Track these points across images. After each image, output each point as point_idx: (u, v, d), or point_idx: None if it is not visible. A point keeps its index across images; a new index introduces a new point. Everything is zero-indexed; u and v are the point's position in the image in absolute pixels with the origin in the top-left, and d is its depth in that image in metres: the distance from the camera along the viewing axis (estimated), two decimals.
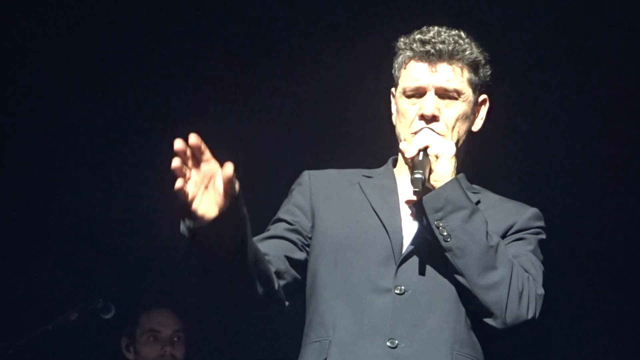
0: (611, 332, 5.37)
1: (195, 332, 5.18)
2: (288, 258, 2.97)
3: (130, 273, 5.36)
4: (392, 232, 2.94)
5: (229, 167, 2.55)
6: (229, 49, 5.09)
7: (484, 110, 3.12)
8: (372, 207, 3.00)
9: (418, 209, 2.93)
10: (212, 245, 2.65)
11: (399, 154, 3.08)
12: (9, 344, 4.91)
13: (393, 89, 3.12)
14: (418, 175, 2.83)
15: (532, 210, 3.07)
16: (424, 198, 2.87)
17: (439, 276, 2.89)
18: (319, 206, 3.04)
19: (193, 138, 2.54)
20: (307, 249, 3.01)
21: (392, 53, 3.10)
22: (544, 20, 4.94)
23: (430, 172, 2.90)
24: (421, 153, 2.89)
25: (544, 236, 3.06)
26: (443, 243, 2.84)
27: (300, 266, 3.00)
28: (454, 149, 2.93)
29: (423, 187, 2.85)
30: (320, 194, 3.06)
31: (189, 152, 2.54)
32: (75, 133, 5.34)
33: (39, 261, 5.40)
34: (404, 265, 2.91)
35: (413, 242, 2.93)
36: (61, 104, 5.24)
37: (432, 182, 2.88)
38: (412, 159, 2.89)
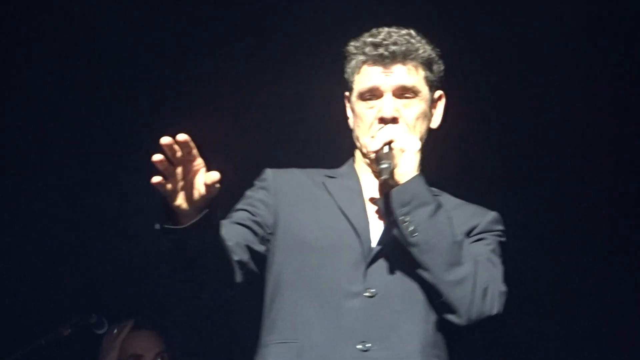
0: (569, 333, 5.35)
1: (179, 349, 5.14)
2: (249, 248, 2.95)
3: (125, 288, 5.33)
4: (361, 233, 2.93)
5: (216, 173, 2.61)
6: (192, 49, 5.13)
7: (440, 106, 3.12)
8: (340, 209, 2.99)
9: (383, 206, 2.92)
10: (185, 243, 2.69)
11: (357, 155, 3.09)
12: None
13: (347, 93, 3.12)
14: (384, 165, 2.84)
15: (493, 214, 3.08)
16: (392, 192, 2.86)
17: (408, 277, 2.89)
18: (284, 204, 3.02)
19: (182, 135, 2.58)
20: (267, 244, 2.99)
21: (343, 57, 3.09)
22: (497, 19, 4.97)
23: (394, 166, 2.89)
24: (386, 147, 2.89)
25: (504, 239, 3.07)
26: (409, 238, 2.84)
27: (259, 259, 2.97)
28: (419, 144, 2.94)
29: (391, 177, 2.84)
30: (285, 192, 3.05)
31: (176, 147, 2.59)
32: (67, 149, 5.34)
33: (32, 276, 5.38)
34: (372, 267, 2.91)
35: (380, 244, 2.92)
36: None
37: (396, 177, 2.88)
38: (377, 152, 2.89)
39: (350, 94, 3.09)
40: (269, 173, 3.11)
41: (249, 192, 3.09)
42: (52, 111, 5.28)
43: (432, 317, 2.89)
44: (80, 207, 5.38)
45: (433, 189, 3.06)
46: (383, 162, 2.85)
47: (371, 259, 2.91)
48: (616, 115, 5.15)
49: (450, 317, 2.86)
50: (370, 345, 2.83)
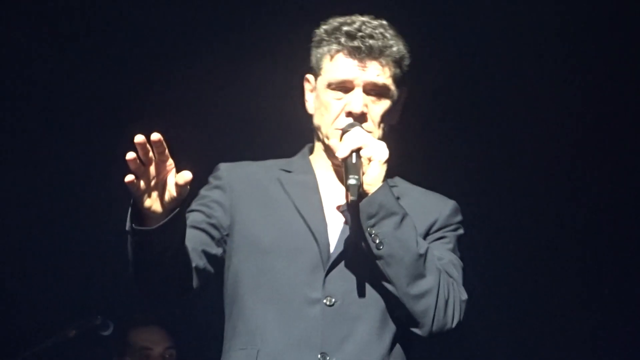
0: (531, 330, 5.35)
1: (187, 348, 5.15)
2: (205, 253, 2.91)
3: (131, 290, 5.32)
4: (319, 237, 2.88)
5: (188, 172, 2.61)
6: (149, 49, 5.15)
7: (403, 102, 3.06)
8: (297, 208, 2.93)
9: (348, 215, 2.85)
10: (151, 245, 2.68)
11: (317, 145, 3.04)
12: None
13: (309, 76, 3.04)
14: (353, 182, 2.75)
15: (451, 205, 3.05)
16: (361, 205, 2.79)
17: (367, 285, 2.85)
18: (239, 205, 2.96)
19: (155, 135, 2.58)
20: (224, 245, 2.95)
21: (309, 39, 3.02)
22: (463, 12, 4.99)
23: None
24: (354, 155, 2.81)
25: (462, 231, 3.04)
26: (375, 251, 2.79)
27: (215, 262, 2.94)
28: (387, 152, 2.85)
29: (359, 194, 2.77)
30: (240, 191, 2.98)
31: (148, 147, 2.58)
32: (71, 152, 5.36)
33: (37, 278, 5.38)
34: (332, 273, 2.87)
35: (339, 248, 2.87)
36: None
37: (364, 187, 2.80)
38: (345, 160, 2.81)
39: (316, 78, 3.02)
40: (223, 170, 3.04)
41: (203, 192, 3.03)
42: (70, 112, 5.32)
43: (391, 325, 2.87)
44: (85, 208, 5.38)
45: (396, 178, 3.02)
46: (351, 177, 2.77)
47: (330, 264, 2.87)
48: (590, 98, 5.18)
49: (414, 330, 2.84)
50: (329, 357, 2.80)
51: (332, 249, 2.89)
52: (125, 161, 2.60)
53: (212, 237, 2.94)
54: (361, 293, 2.85)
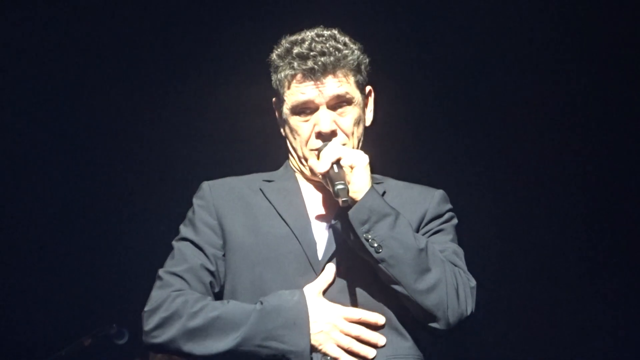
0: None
1: None
2: (210, 285, 2.92)
3: (145, 299, 5.34)
4: (304, 240, 2.89)
5: None
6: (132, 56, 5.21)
7: (371, 101, 3.06)
8: (279, 214, 2.94)
9: (340, 224, 2.83)
10: None
11: (292, 160, 3.04)
12: None
13: (275, 99, 3.03)
14: (341, 186, 2.75)
15: (439, 194, 3.05)
16: (350, 213, 2.79)
17: (358, 283, 2.85)
18: (225, 220, 2.96)
19: None
20: (219, 261, 2.93)
21: (267, 65, 3.00)
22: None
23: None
24: (335, 166, 2.81)
25: (456, 220, 3.03)
26: (375, 255, 2.78)
27: (218, 280, 2.95)
28: (366, 157, 2.86)
29: (349, 197, 2.76)
30: (224, 207, 2.98)
31: None
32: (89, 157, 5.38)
33: (52, 287, 5.41)
34: None
35: (328, 249, 2.87)
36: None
37: (350, 194, 2.79)
38: (327, 173, 2.81)
39: (281, 104, 2.99)
40: (205, 189, 3.03)
41: (191, 215, 3.01)
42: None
43: (391, 320, 2.86)
44: (101, 218, 5.41)
45: (375, 175, 3.01)
46: (337, 183, 2.75)
47: (321, 267, 2.86)
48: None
49: (431, 324, 2.81)
50: (330, 357, 2.79)
51: (319, 251, 2.88)
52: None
53: (211, 272, 2.93)
54: (353, 292, 2.85)
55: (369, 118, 3.04)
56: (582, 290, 5.32)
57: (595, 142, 5.30)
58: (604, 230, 5.36)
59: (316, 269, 2.86)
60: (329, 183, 2.82)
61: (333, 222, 2.86)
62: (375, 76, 3.05)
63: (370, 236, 2.78)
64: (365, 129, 3.02)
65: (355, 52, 2.96)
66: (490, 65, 5.24)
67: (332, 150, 2.84)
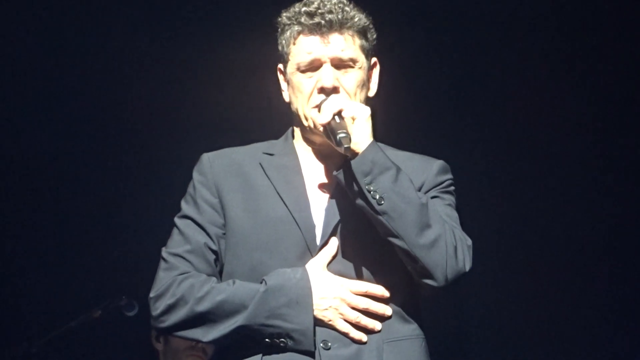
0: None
1: None
2: (215, 263, 2.92)
3: (154, 269, 5.34)
4: (303, 223, 2.88)
5: None
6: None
7: (376, 73, 3.05)
8: (278, 194, 2.92)
9: (342, 178, 2.83)
10: None
11: (297, 132, 3.03)
12: (32, 343, 4.92)
13: (280, 66, 3.03)
14: (343, 134, 2.77)
15: (438, 164, 3.03)
16: (352, 163, 2.79)
17: (357, 263, 2.85)
18: (225, 199, 2.95)
19: None
20: (221, 240, 2.93)
21: (274, 30, 3.02)
22: None
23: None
24: (336, 117, 2.81)
25: (453, 188, 3.02)
26: (377, 207, 2.77)
27: (220, 259, 2.95)
28: (369, 110, 2.86)
29: (350, 147, 2.76)
30: (224, 184, 2.97)
31: None
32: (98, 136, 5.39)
33: (62, 259, 5.42)
34: None
35: (325, 231, 2.87)
36: None
37: (352, 146, 2.79)
38: (328, 123, 2.81)
39: (285, 66, 3.01)
40: (205, 163, 3.02)
41: (191, 191, 3.00)
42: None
43: (392, 297, 2.86)
44: (111, 192, 5.41)
45: (379, 144, 2.97)
46: (339, 131, 2.78)
47: (318, 249, 2.86)
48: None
49: (428, 281, 2.81)
50: (330, 344, 2.80)
51: (317, 232, 2.88)
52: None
53: (214, 251, 2.93)
54: (352, 273, 2.86)
55: (373, 88, 3.03)
56: (582, 290, 5.32)
57: (601, 135, 5.32)
58: (606, 225, 5.36)
59: (313, 252, 2.86)
60: (330, 135, 2.82)
61: (335, 173, 2.84)
62: (382, 55, 3.05)
63: (372, 188, 2.78)
64: (369, 99, 3.01)
65: (362, 17, 2.98)
66: (498, 51, 5.26)
67: (333, 102, 2.85)
